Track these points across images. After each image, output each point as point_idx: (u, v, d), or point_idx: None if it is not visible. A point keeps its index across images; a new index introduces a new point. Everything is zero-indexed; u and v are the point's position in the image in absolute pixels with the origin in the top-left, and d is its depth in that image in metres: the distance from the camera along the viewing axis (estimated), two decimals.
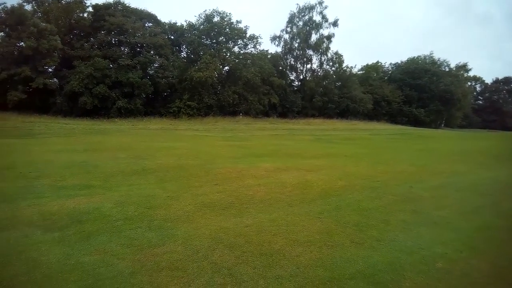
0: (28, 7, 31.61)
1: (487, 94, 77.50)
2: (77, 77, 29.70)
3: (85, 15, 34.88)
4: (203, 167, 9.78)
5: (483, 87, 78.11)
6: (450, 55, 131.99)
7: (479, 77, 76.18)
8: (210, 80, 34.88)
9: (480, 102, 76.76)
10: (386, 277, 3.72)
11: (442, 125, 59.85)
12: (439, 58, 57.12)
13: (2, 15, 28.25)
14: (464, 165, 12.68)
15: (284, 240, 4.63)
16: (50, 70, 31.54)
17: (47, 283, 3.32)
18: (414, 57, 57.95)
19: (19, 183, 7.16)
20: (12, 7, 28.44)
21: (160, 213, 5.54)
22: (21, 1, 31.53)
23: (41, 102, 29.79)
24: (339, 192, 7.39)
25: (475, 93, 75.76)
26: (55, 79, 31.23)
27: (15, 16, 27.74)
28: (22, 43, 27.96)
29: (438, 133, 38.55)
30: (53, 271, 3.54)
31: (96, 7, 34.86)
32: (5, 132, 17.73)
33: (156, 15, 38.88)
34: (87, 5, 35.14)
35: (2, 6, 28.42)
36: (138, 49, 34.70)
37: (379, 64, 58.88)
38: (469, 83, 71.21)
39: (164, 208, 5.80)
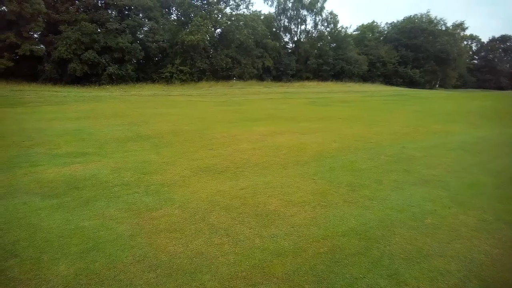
0: None
1: (483, 53, 76.52)
2: (64, 42, 28.71)
3: None
4: (197, 132, 9.78)
5: (479, 46, 76.97)
6: (448, 13, 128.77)
7: (476, 35, 75.00)
8: (202, 44, 33.96)
9: (476, 61, 75.96)
10: (377, 233, 3.87)
11: (437, 85, 59.64)
12: (436, 17, 55.81)
13: None
14: (457, 125, 12.81)
15: (279, 201, 4.74)
16: (36, 36, 30.37)
17: (49, 247, 3.41)
18: (410, 16, 56.50)
19: (13, 152, 7.15)
20: None
21: (156, 178, 5.61)
22: None
23: (29, 70, 28.97)
24: (333, 154, 7.49)
25: (471, 53, 74.80)
26: (42, 45, 30.18)
27: None
28: (4, 7, 26.69)
29: (432, 93, 38.49)
30: (53, 235, 3.64)
31: None
32: None
33: None
34: None
35: None
36: (126, 12, 33.37)
37: (375, 24, 57.54)
38: (465, 42, 70.17)
39: (160, 174, 5.87)
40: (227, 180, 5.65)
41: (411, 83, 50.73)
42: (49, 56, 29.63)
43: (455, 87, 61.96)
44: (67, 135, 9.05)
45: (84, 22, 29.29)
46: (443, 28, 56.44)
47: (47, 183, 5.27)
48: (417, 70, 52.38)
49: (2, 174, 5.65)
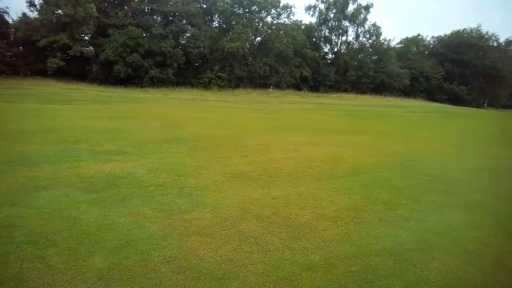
0: None
1: None
2: (111, 45, 30.28)
3: None
4: (232, 138, 9.87)
5: None
6: (501, 28, 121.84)
7: None
8: (241, 51, 34.47)
9: None
10: (414, 256, 3.67)
11: (485, 104, 56.42)
12: (487, 32, 52.92)
13: None
14: (505, 148, 12.01)
15: (311, 214, 4.65)
16: (86, 38, 32.27)
17: (86, 239, 3.54)
18: (459, 30, 54.04)
19: (59, 146, 7.57)
20: None
21: (190, 181, 5.69)
22: None
23: (78, 70, 30.74)
24: (370, 169, 7.26)
25: None
26: (91, 47, 32.00)
27: None
28: (60, 10, 28.61)
29: (479, 112, 36.50)
30: (91, 229, 3.78)
31: None
32: (46, 97, 18.59)
33: None
34: None
35: None
36: (171, 18, 34.67)
37: (420, 37, 55.46)
38: None
39: (194, 177, 5.95)
40: (260, 188, 5.62)
41: (457, 100, 48.29)
42: (97, 58, 31.32)
43: (505, 106, 58.29)
44: (108, 133, 9.46)
45: (131, 27, 30.75)
46: (495, 44, 53.48)
47: (88, 178, 5.51)
48: (464, 87, 49.81)
49: (49, 166, 5.99)
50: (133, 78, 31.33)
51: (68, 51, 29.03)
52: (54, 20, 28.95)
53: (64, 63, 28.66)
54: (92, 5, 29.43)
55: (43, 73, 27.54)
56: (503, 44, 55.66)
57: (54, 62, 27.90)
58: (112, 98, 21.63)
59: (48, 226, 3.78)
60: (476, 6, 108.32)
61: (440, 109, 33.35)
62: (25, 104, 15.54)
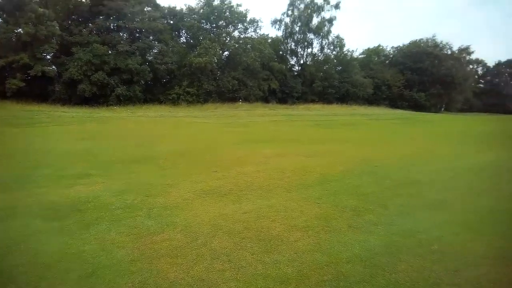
0: None
1: (488, 77, 76.65)
2: (75, 64, 29.42)
3: (83, 0, 34.31)
4: (202, 154, 9.80)
5: (485, 70, 77.27)
6: (454, 37, 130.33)
7: (482, 60, 75.11)
8: (209, 66, 34.54)
9: (482, 85, 76.05)
10: (382, 260, 3.77)
11: (443, 109, 59.52)
12: (441, 41, 56.27)
13: (0, 0, 27.83)
14: (464, 148, 12.68)
15: (282, 226, 4.67)
16: (48, 57, 31.20)
17: (48, 272, 3.36)
18: (416, 40, 57.10)
19: (18, 173, 7.21)
20: None
21: (159, 201, 5.58)
22: None
23: (39, 90, 29.56)
24: (338, 177, 7.42)
25: (476, 76, 74.99)
26: (54, 67, 30.92)
27: (13, 1, 27.27)
28: (20, 29, 27.57)
29: (438, 117, 38.43)
30: (53, 260, 3.59)
31: None
32: (4, 121, 17.70)
33: None
34: None
35: None
36: (137, 35, 34.25)
37: (381, 47, 58.12)
38: (471, 66, 70.44)
39: (163, 196, 5.84)
40: (231, 203, 5.60)
41: (417, 107, 50.71)
42: (60, 77, 30.29)
43: (461, 110, 61.76)
44: (72, 155, 9.12)
45: (96, 44, 30.06)
46: (449, 52, 56.90)
47: (49, 205, 5.26)
48: (423, 94, 52.47)
49: (6, 195, 5.68)
50: (99, 97, 30.48)
51: (28, 71, 27.89)
52: (13, 39, 27.84)
53: (24, 84, 27.47)
54: (55, 23, 28.54)
55: (2, 95, 26.26)
56: (456, 52, 59.36)
57: (13, 83, 26.67)
58: (77, 118, 20.92)
59: (5, 261, 3.56)
60: (431, 17, 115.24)
61: (402, 116, 34.82)
62: None
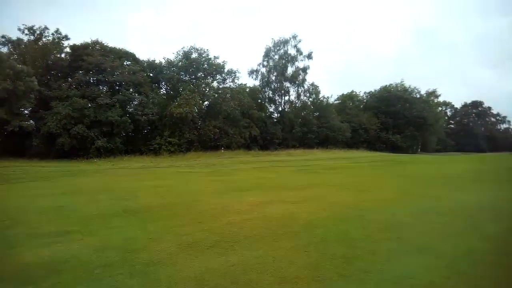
0: (4, 49, 31.60)
1: (457, 118, 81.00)
2: (54, 118, 29.28)
3: (63, 55, 35.04)
4: (186, 205, 9.60)
5: (453, 111, 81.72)
6: (420, 82, 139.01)
7: (449, 102, 79.94)
8: (190, 116, 35.06)
9: (452, 126, 79.90)
10: None
11: (419, 149, 61.60)
12: (409, 86, 59.88)
13: None
14: (444, 189, 12.95)
15: (271, 278, 4.52)
16: (26, 112, 31.01)
17: None
18: (386, 85, 60.48)
19: None
20: None
21: (142, 257, 5.34)
22: None
23: (16, 145, 28.96)
24: (325, 223, 7.36)
25: (446, 118, 79.03)
26: (31, 121, 30.63)
27: None
28: None
29: (415, 158, 39.53)
30: None
31: (74, 47, 35.09)
32: None
33: (135, 53, 39.46)
34: (64, 45, 35.49)
35: None
36: (117, 88, 34.77)
37: (354, 93, 61.11)
38: (440, 108, 74.45)
39: (146, 251, 5.60)
40: (217, 256, 5.41)
41: (394, 148, 52.38)
42: (38, 131, 29.91)
43: (437, 150, 64.17)
44: (49, 212, 8.74)
45: (75, 98, 30.23)
46: (418, 96, 60.20)
47: (23, 267, 4.94)
48: (398, 136, 54.52)
49: None
50: (78, 150, 30.06)
51: (5, 127, 27.45)
52: None
53: (0, 139, 26.90)
54: (34, 78, 28.78)
55: None
56: (424, 95, 62.94)
57: None
58: (55, 173, 20.35)
59: None
60: (398, 64, 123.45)
61: (381, 158, 35.65)
62: None
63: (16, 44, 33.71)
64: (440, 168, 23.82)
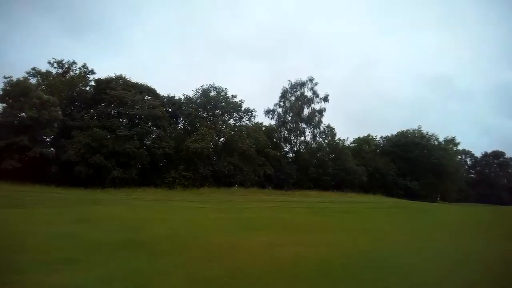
0: (33, 80, 33.24)
1: (478, 168, 78.61)
2: (74, 146, 30.03)
3: (88, 88, 36.62)
4: (196, 240, 9.42)
5: (473, 160, 79.58)
6: (438, 129, 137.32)
7: (469, 150, 77.90)
8: (206, 151, 35.35)
9: (473, 175, 77.48)
10: None
11: (438, 198, 59.59)
12: (427, 132, 58.97)
13: (7, 87, 29.44)
14: (459, 237, 12.30)
15: None
16: (48, 139, 31.97)
17: None
18: (403, 130, 59.80)
19: (0, 257, 6.76)
20: (18, 80, 29.80)
21: None
22: (26, 75, 33.34)
23: (36, 171, 29.58)
24: (338, 268, 7.04)
25: (466, 167, 76.88)
26: (52, 149, 31.46)
27: (19, 88, 28.91)
28: (24, 113, 28.68)
29: (433, 206, 38.19)
30: None
31: (98, 81, 36.66)
32: None
33: (156, 89, 40.67)
34: (90, 79, 37.21)
35: (8, 79, 29.76)
36: (136, 121, 35.66)
37: (371, 137, 60.43)
38: (459, 157, 72.68)
39: (152, 285, 5.44)
40: None
41: (412, 195, 50.66)
42: (58, 159, 30.60)
43: (457, 200, 61.80)
44: (60, 239, 8.70)
45: (96, 129, 31.12)
46: (436, 143, 59.17)
47: None
48: (416, 183, 53.01)
49: None
50: (95, 179, 30.41)
51: (27, 152, 28.26)
52: (16, 122, 28.77)
53: (20, 165, 27.61)
54: (58, 108, 29.95)
55: None
56: (443, 143, 61.76)
57: (9, 163, 26.83)
58: (70, 200, 20.53)
59: None
60: (415, 110, 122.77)
61: (398, 204, 34.55)
62: None
63: (44, 76, 35.58)
64: (457, 217, 22.86)
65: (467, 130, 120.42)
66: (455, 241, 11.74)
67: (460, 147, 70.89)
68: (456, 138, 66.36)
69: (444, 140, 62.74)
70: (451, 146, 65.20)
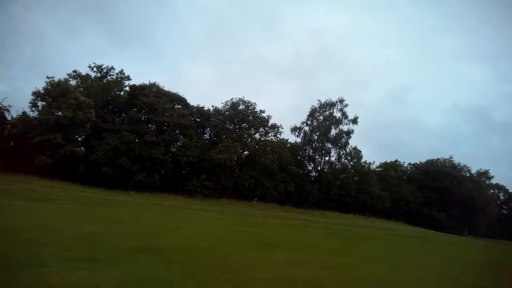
0: (73, 82, 34.95)
1: (511, 204, 74.58)
2: (103, 148, 31.09)
3: (122, 93, 38.07)
4: (212, 251, 9.42)
5: (506, 196, 75.58)
6: (471, 161, 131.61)
7: (502, 185, 74.12)
8: (229, 163, 35.63)
9: (505, 211, 73.46)
10: None
11: (465, 231, 56.82)
12: (459, 163, 56.84)
13: (48, 87, 31.04)
14: (484, 279, 11.60)
15: None
16: (79, 139, 33.28)
17: None
18: (433, 159, 57.92)
19: (24, 249, 7.02)
20: (59, 80, 31.41)
21: None
22: (67, 76, 35.15)
23: (64, 168, 30.75)
24: None
25: (498, 202, 73.04)
26: (82, 148, 32.72)
27: (59, 88, 30.43)
28: (60, 113, 30.08)
29: (459, 239, 36.45)
30: None
31: (132, 87, 38.04)
32: (24, 194, 18.05)
33: (186, 98, 41.78)
34: (125, 84, 38.72)
35: (50, 79, 31.42)
36: (165, 127, 36.59)
37: (398, 162, 58.86)
38: (491, 191, 69.30)
39: None
40: None
41: (438, 226, 48.59)
42: (86, 158, 31.73)
43: (486, 236, 58.64)
44: (82, 237, 8.95)
45: (125, 132, 32.15)
46: (467, 175, 56.81)
47: None
48: (443, 213, 50.90)
49: (6, 272, 5.45)
50: (119, 181, 31.23)
51: (58, 150, 29.50)
52: (52, 121, 30.17)
53: (51, 161, 28.80)
54: (92, 110, 31.25)
55: (29, 169, 27.34)
56: (475, 175, 59.16)
57: (41, 159, 28.05)
58: (94, 199, 21.15)
59: None
60: (446, 139, 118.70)
61: (422, 234, 33.26)
62: None
63: (84, 79, 37.57)
64: (485, 256, 21.62)
65: (502, 164, 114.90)
66: (475, 282, 11.10)
67: (493, 181, 67.73)
68: (489, 171, 63.56)
69: (476, 173, 60.31)
70: (483, 179, 62.48)
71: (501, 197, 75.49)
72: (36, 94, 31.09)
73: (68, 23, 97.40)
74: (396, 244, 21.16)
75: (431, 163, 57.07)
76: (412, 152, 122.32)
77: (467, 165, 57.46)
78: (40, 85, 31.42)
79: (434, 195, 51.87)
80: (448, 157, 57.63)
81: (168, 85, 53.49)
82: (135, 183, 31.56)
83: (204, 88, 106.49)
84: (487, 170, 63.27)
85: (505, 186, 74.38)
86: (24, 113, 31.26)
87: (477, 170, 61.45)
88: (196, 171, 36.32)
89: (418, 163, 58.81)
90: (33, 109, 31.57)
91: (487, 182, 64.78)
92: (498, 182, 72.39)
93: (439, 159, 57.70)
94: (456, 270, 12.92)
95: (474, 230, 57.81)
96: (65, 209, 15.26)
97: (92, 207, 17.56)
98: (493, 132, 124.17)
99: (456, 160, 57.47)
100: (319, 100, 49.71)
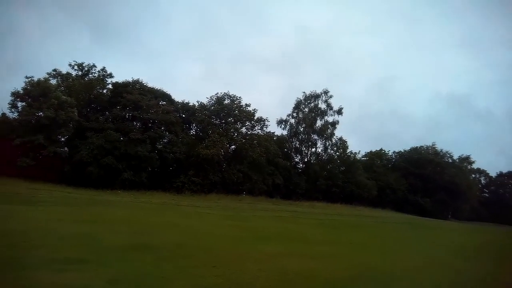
0: (53, 81, 34.03)
1: (492, 188, 76.99)
2: (87, 147, 30.52)
3: (105, 91, 37.34)
4: (202, 247, 9.44)
5: (488, 180, 77.95)
6: (453, 147, 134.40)
7: (483, 170, 76.37)
8: (216, 158, 35.52)
9: (487, 195, 75.81)
10: None
11: (449, 216, 58.39)
12: (441, 149, 58.10)
13: (28, 87, 30.19)
14: (468, 261, 12.00)
15: None
16: (63, 139, 32.57)
17: None
18: (417, 146, 59.07)
19: (9, 253, 6.88)
20: (39, 80, 30.55)
21: None
22: (47, 75, 34.20)
23: (48, 170, 30.13)
24: (344, 284, 6.96)
25: (480, 186, 75.28)
26: (66, 148, 32.06)
27: (39, 88, 29.58)
28: (41, 113, 29.32)
29: (445, 224, 37.45)
30: None
31: (115, 84, 37.29)
32: (7, 197, 17.63)
33: (171, 94, 41.15)
34: (108, 82, 37.96)
35: (30, 79, 30.53)
36: (150, 125, 36.11)
37: (383, 151, 59.79)
38: (473, 175, 71.30)
39: None
40: None
41: (423, 212, 49.81)
42: (71, 159, 31.13)
43: (469, 219, 60.44)
44: (69, 238, 8.83)
45: (110, 131, 31.62)
46: (450, 161, 58.19)
47: None
48: (428, 199, 52.14)
49: None
50: (105, 180, 30.75)
51: (41, 151, 28.85)
52: (33, 121, 29.42)
53: (34, 163, 28.18)
54: (75, 109, 30.57)
55: (11, 172, 26.67)
56: (457, 161, 60.69)
57: (24, 161, 27.40)
58: (80, 200, 20.82)
59: None
60: (429, 127, 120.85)
61: (408, 220, 34.04)
62: None
63: (64, 77, 36.45)
64: (467, 238, 22.32)
65: (483, 149, 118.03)
66: (464, 266, 11.49)
67: (475, 166, 69.67)
68: (471, 156, 65.28)
69: (458, 158, 61.84)
70: (465, 164, 64.16)
71: (482, 181, 77.84)
72: (15, 94, 30.11)
73: (47, 20, 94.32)
74: (383, 231, 21.62)
75: (414, 150, 58.19)
76: (398, 141, 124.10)
77: (449, 151, 58.81)
78: (19, 85, 30.53)
79: (419, 182, 53.02)
80: (431, 144, 58.88)
81: (153, 82, 52.50)
82: (122, 182, 31.14)
83: (190, 84, 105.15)
84: (469, 156, 64.96)
85: (486, 170, 76.75)
86: (3, 114, 30.40)
87: (459, 156, 63.05)
88: (184, 167, 36.08)
89: (403, 151, 59.89)
90: (13, 110, 30.59)
91: (469, 167, 66.57)
92: (479, 167, 74.62)
93: (422, 146, 58.87)
94: (447, 254, 13.25)
95: (457, 214, 59.49)
96: (51, 210, 14.97)
97: (79, 207, 17.30)
98: (475, 119, 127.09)
99: (439, 147, 58.74)
100: (304, 92, 49.89)
